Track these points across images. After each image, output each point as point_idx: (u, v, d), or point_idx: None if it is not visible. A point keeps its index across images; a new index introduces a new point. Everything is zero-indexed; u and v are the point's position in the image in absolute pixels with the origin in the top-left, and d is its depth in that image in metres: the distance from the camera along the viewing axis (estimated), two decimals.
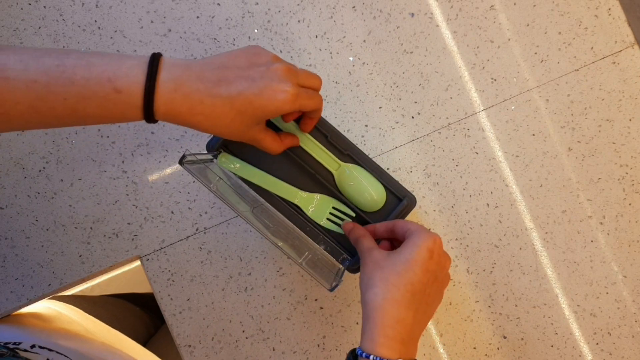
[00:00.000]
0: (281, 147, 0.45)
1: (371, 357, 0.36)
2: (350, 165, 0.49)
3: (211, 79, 0.37)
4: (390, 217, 0.49)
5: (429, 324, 0.59)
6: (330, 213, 0.50)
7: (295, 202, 0.49)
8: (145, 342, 0.75)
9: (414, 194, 0.59)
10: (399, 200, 0.49)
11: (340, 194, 0.50)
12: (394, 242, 0.46)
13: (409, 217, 0.56)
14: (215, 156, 0.48)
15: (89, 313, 0.67)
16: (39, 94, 0.34)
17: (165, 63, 0.36)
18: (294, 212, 0.49)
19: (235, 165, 0.48)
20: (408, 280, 0.38)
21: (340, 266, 0.49)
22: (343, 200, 0.50)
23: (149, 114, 0.36)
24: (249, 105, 0.37)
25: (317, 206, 0.49)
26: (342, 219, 0.50)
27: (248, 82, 0.37)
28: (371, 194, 0.49)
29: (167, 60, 0.37)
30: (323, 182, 0.49)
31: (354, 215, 0.50)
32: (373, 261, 0.40)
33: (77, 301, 0.69)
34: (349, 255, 0.50)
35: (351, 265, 0.48)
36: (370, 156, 0.59)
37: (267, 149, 0.44)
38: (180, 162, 0.42)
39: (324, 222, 0.49)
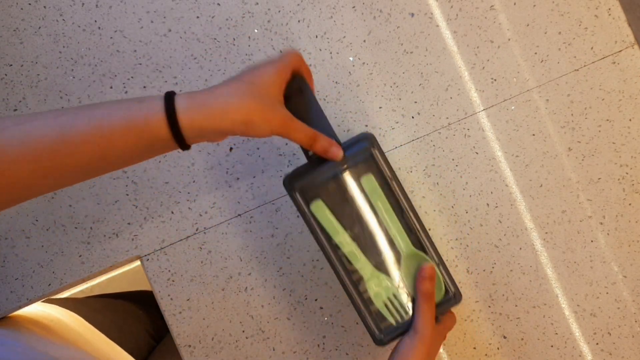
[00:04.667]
0: (313, 140, 0.44)
1: None
2: (422, 254, 0.48)
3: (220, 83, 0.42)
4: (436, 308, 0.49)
5: None
6: (389, 299, 0.48)
7: (365, 277, 0.48)
8: (147, 349, 0.74)
9: (413, 194, 0.59)
10: (446, 292, 0.49)
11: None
12: None
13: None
14: (290, 194, 0.47)
15: (89, 319, 0.67)
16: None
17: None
18: (348, 280, 0.48)
19: (325, 216, 0.47)
20: None
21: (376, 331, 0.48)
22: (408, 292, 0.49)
23: (173, 122, 0.37)
24: (253, 74, 0.41)
25: (379, 286, 0.48)
26: (397, 310, 0.48)
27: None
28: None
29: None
30: (390, 259, 0.48)
31: (410, 314, 0.48)
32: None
33: (77, 306, 0.69)
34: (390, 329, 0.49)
35: (385, 338, 0.48)
36: None
37: (298, 139, 0.44)
38: (290, 191, 0.46)
39: (379, 305, 0.48)
